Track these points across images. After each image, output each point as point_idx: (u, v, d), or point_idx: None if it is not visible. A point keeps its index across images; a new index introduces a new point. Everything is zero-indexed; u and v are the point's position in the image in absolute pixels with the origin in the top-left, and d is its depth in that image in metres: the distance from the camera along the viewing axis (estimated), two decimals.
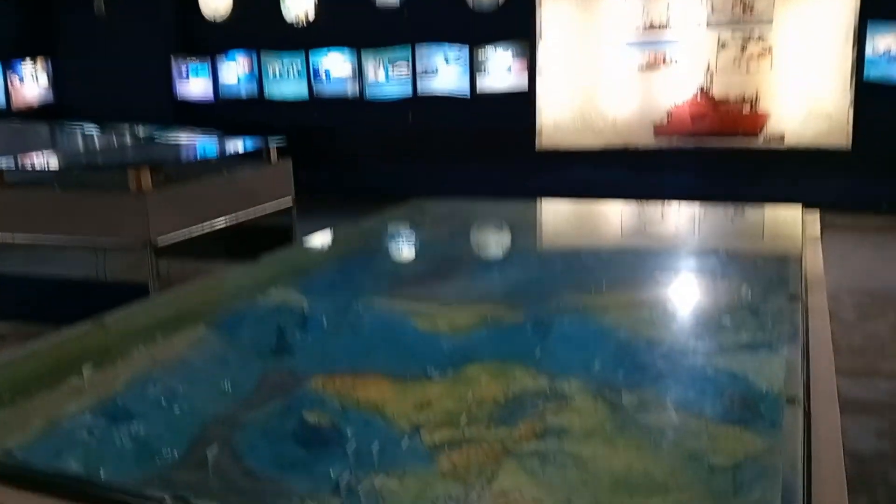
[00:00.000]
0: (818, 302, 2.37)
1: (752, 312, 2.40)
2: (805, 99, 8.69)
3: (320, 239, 3.70)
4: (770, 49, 8.72)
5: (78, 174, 5.91)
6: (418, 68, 10.06)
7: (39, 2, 11.60)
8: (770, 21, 8.67)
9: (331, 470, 1.48)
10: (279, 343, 2.27)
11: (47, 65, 11.94)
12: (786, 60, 8.69)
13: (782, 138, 8.83)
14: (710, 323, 2.44)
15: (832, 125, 8.62)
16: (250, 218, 5.75)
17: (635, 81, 9.25)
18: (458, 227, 4.15)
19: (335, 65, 10.50)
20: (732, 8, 8.75)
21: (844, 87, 8.52)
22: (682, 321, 2.52)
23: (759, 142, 8.92)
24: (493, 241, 4.06)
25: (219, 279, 2.97)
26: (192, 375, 2.06)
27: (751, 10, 8.71)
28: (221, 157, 6.57)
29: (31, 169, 5.75)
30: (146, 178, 4.82)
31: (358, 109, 10.47)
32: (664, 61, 9.10)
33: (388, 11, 9.64)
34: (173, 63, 11.38)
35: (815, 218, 3.57)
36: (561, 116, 9.63)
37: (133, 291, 4.06)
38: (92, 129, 9.63)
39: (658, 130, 9.27)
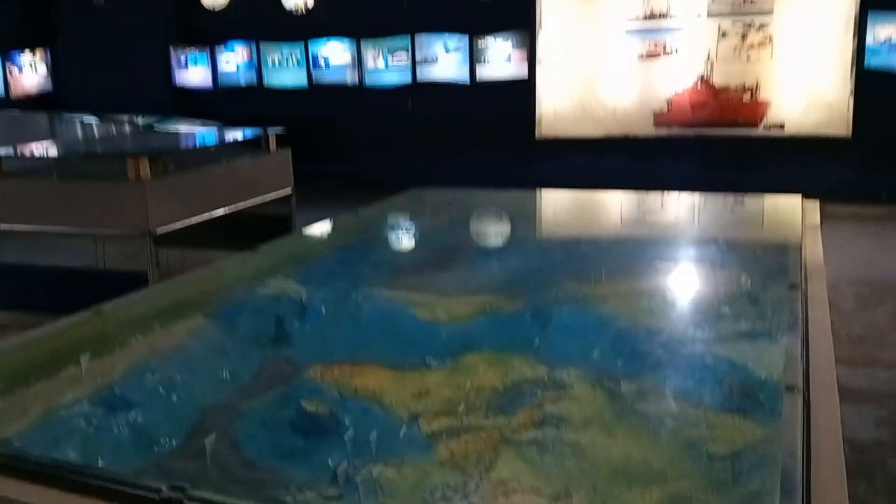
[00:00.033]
0: (818, 291, 2.36)
1: (752, 301, 2.40)
2: (805, 88, 8.66)
3: (319, 228, 3.69)
4: (770, 38, 8.69)
5: (77, 164, 5.89)
6: (418, 57, 10.03)
7: None
8: (770, 10, 8.64)
9: (329, 459, 1.47)
10: (278, 332, 2.26)
11: (46, 55, 11.91)
12: (786, 49, 8.66)
13: (782, 127, 8.81)
14: (709, 312, 2.44)
15: (832, 114, 8.60)
16: (249, 207, 5.74)
17: (635, 70, 9.22)
18: (457, 217, 4.14)
19: (334, 53, 10.46)
20: None
21: (845, 76, 8.49)
22: (682, 310, 2.52)
23: (760, 131, 8.90)
24: (493, 231, 4.05)
25: (217, 268, 2.96)
26: (191, 365, 2.06)
27: None
28: (220, 146, 6.55)
29: (30, 158, 5.74)
30: (145, 168, 4.80)
31: (357, 98, 10.44)
32: (664, 50, 9.07)
33: (388, 0, 9.62)
34: (172, 53, 11.35)
35: (814, 207, 3.56)
36: (561, 105, 9.60)
37: (132, 280, 4.06)
38: (91, 119, 9.61)
39: (658, 119, 9.25)
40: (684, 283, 2.85)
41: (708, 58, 8.92)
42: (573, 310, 2.40)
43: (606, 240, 3.71)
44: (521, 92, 9.62)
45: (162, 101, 11.11)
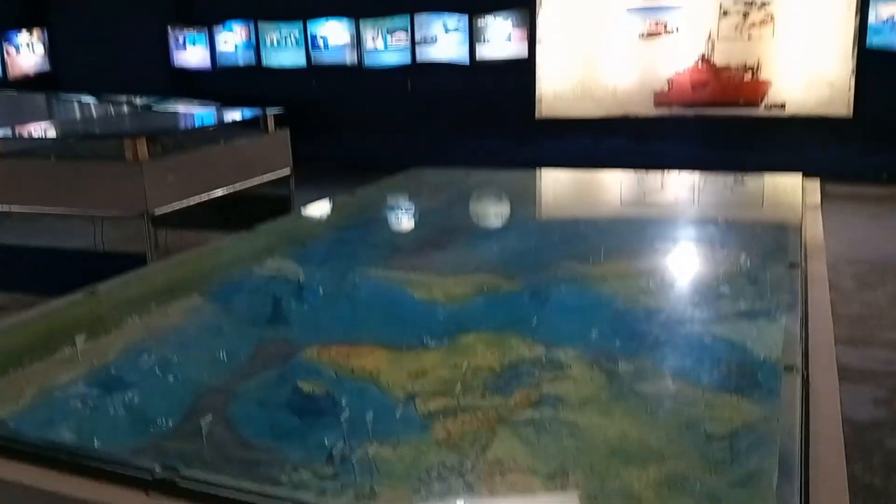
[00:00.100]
0: (817, 270, 2.35)
1: (751, 281, 2.39)
2: (807, 67, 8.62)
3: (317, 208, 3.68)
4: (772, 16, 8.63)
5: (75, 144, 5.87)
6: (417, 37, 9.97)
7: None
8: None
9: (325, 439, 1.47)
10: (274, 312, 2.25)
11: (44, 35, 11.85)
12: (788, 28, 8.61)
13: (783, 107, 8.77)
14: (708, 291, 2.42)
15: (833, 93, 8.56)
16: (248, 188, 5.71)
17: (636, 49, 9.17)
18: (456, 197, 4.12)
19: (333, 33, 10.41)
20: None
21: (846, 55, 8.45)
22: (681, 290, 2.50)
23: (760, 110, 8.86)
24: (492, 211, 4.03)
25: (214, 249, 2.95)
26: (187, 345, 2.05)
27: None
28: (219, 126, 6.51)
29: (27, 139, 5.72)
30: (143, 148, 4.78)
31: (356, 78, 10.39)
32: (665, 29, 9.02)
33: None
34: (170, 32, 11.29)
35: (815, 186, 3.54)
36: (561, 85, 9.56)
37: (131, 261, 4.04)
38: (89, 100, 9.57)
39: (658, 99, 9.21)
40: (683, 263, 2.83)
41: (709, 37, 8.87)
42: (571, 290, 2.39)
43: (606, 219, 3.70)
44: (521, 72, 9.58)
45: (160, 81, 11.06)
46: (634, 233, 3.27)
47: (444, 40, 9.88)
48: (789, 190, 3.59)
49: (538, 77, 9.58)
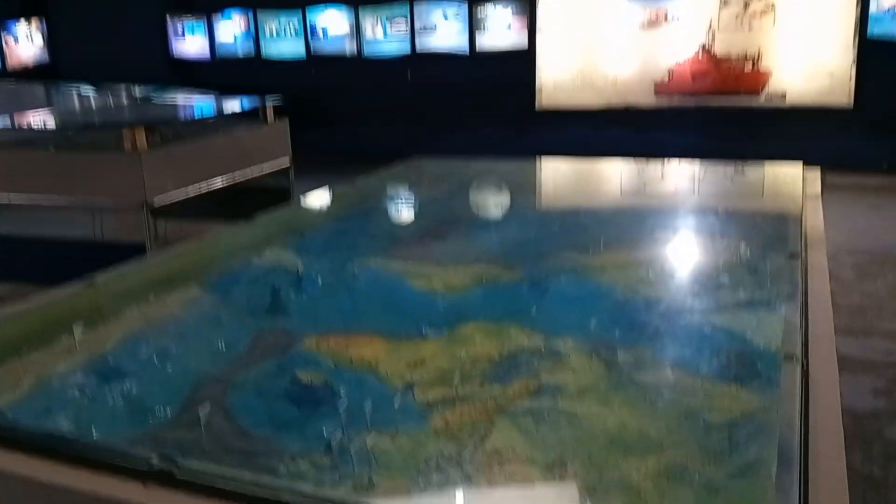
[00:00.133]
0: (818, 260, 2.34)
1: (751, 271, 2.38)
2: (807, 57, 8.60)
3: (316, 198, 3.67)
4: (773, 6, 8.61)
5: (73, 134, 5.86)
6: (417, 25, 9.94)
7: None
8: None
9: (323, 429, 1.46)
10: (273, 303, 2.25)
11: (42, 24, 11.81)
12: (788, 18, 8.58)
13: (784, 96, 8.75)
14: (708, 281, 2.42)
15: (834, 83, 8.54)
16: (247, 178, 5.70)
17: (636, 39, 9.15)
18: (455, 187, 4.11)
19: (332, 22, 10.38)
20: None
21: (847, 45, 8.42)
22: (680, 280, 2.50)
23: (761, 100, 8.84)
24: (492, 201, 4.02)
25: (213, 239, 2.94)
26: (186, 335, 2.05)
27: None
28: (218, 116, 6.51)
29: (26, 129, 5.70)
30: (141, 138, 4.76)
31: (356, 68, 10.37)
32: (665, 18, 8.99)
33: None
34: (169, 22, 11.25)
35: (815, 176, 3.54)
36: (561, 75, 9.54)
37: (130, 252, 4.03)
38: (88, 90, 9.55)
39: (659, 89, 9.19)
40: (683, 253, 2.83)
41: (710, 27, 8.84)
42: (571, 280, 2.38)
43: (606, 209, 3.69)
44: (521, 61, 9.55)
45: (159, 71, 11.03)
46: (634, 222, 3.26)
47: (444, 28, 9.85)
48: (790, 180, 3.58)
49: (538, 67, 9.55)
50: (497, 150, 8.55)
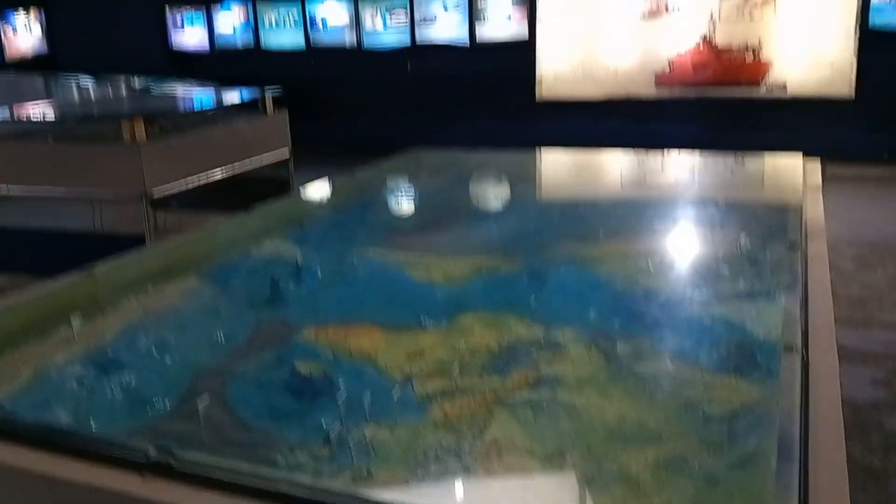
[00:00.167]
0: (818, 251, 2.34)
1: (751, 261, 2.38)
2: (808, 47, 8.57)
3: (315, 190, 3.66)
4: None
5: (73, 126, 5.84)
6: (416, 16, 9.91)
7: None
8: None
9: (322, 420, 1.46)
10: (272, 294, 2.24)
11: (41, 15, 11.77)
12: (789, 8, 8.55)
13: (785, 87, 8.73)
14: (708, 272, 2.42)
15: (835, 74, 8.52)
16: (247, 170, 5.70)
17: (637, 30, 9.11)
18: (455, 178, 4.11)
19: (332, 13, 10.35)
20: None
21: (848, 35, 8.39)
22: (680, 270, 2.49)
23: (762, 91, 8.82)
24: (492, 192, 4.01)
25: (212, 230, 2.94)
26: (184, 326, 2.04)
27: None
28: (217, 107, 6.49)
29: (25, 120, 5.69)
30: (140, 130, 4.76)
31: (356, 59, 10.34)
32: (666, 9, 8.96)
33: None
34: (168, 12, 11.22)
35: (815, 167, 3.53)
36: (561, 66, 9.51)
37: (129, 243, 4.03)
38: (87, 81, 9.53)
39: (660, 80, 9.16)
40: (683, 244, 2.82)
41: (710, 17, 8.81)
42: (570, 270, 2.38)
43: (606, 200, 3.69)
44: (522, 52, 9.52)
45: (159, 62, 11.01)
46: (634, 213, 3.26)
47: (444, 20, 9.82)
48: (790, 170, 3.58)
49: (538, 58, 9.53)
50: (497, 142, 8.52)
